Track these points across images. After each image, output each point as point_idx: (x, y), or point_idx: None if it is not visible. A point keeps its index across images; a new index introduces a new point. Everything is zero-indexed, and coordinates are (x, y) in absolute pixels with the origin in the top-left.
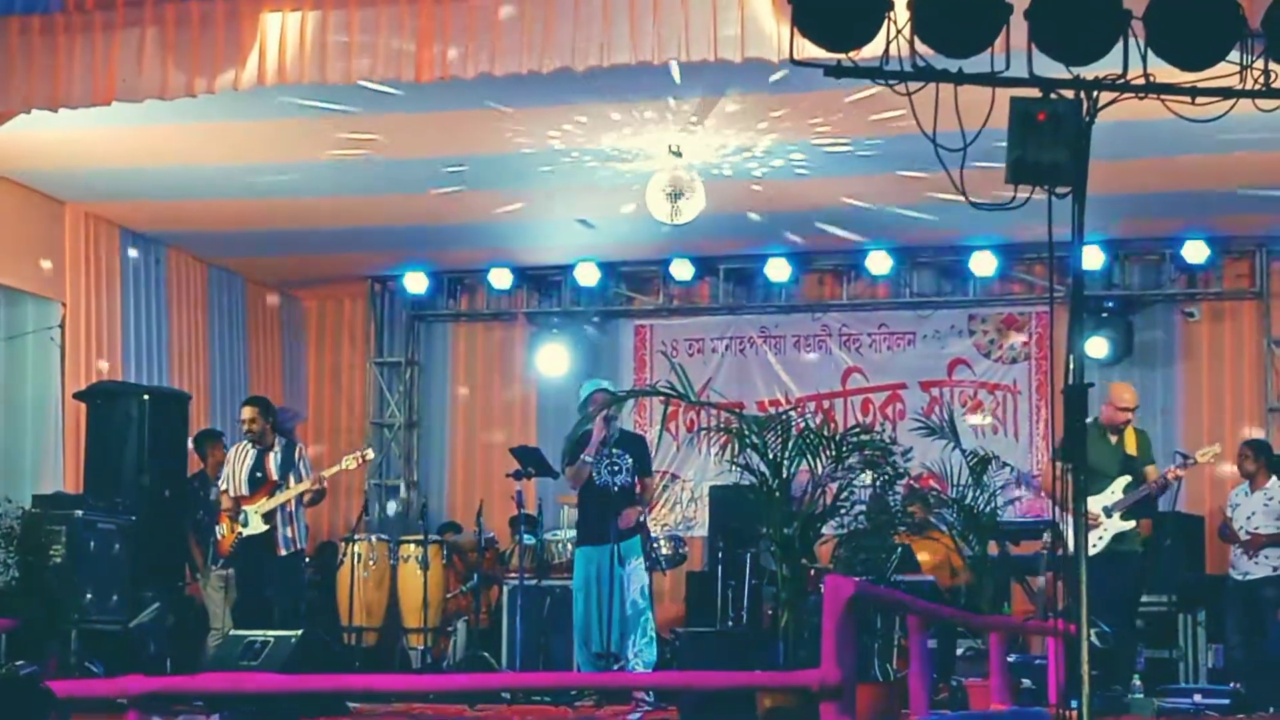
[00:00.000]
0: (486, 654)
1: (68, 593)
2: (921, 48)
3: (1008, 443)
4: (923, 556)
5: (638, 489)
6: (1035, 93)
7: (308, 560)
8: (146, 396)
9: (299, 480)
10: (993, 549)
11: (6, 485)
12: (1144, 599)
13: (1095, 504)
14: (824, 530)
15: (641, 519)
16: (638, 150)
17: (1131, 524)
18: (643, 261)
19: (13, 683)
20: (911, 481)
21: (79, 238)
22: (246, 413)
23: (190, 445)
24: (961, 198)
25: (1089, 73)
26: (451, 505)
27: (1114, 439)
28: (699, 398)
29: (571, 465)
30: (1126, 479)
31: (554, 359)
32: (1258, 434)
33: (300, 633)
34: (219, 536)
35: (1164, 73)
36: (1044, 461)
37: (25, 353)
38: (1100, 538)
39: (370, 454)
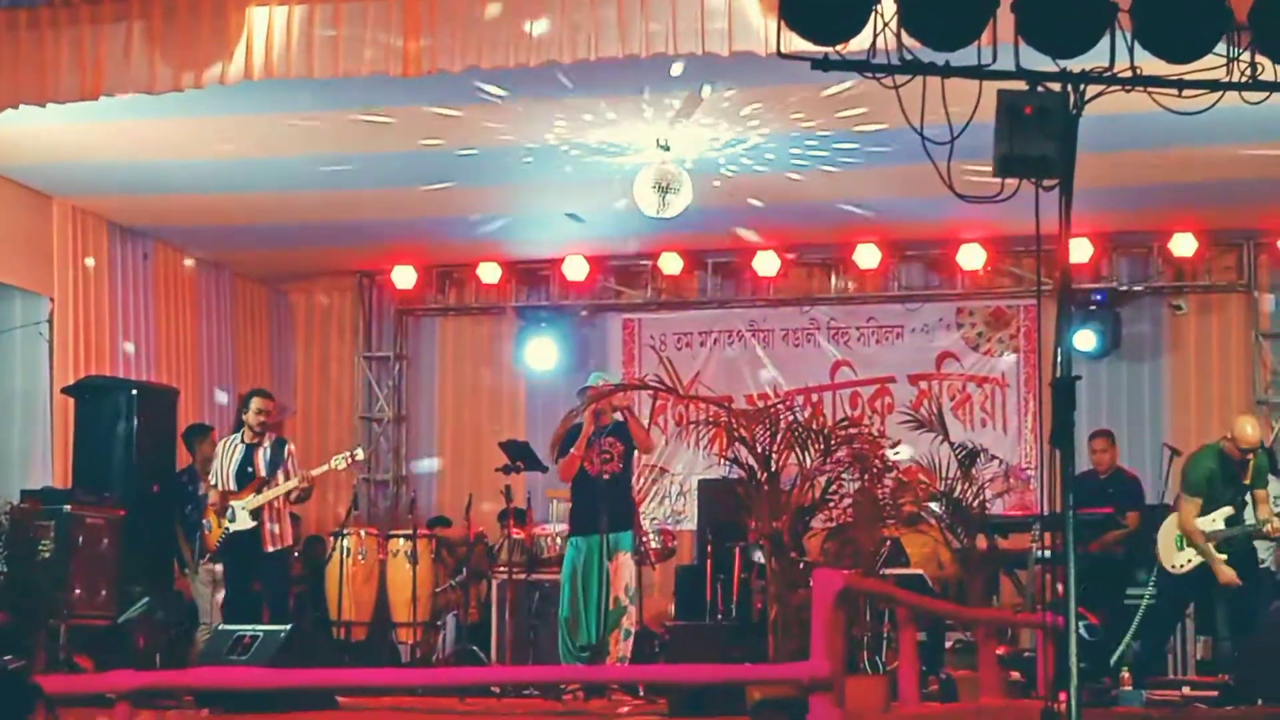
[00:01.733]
0: (475, 648)
1: (56, 587)
2: (908, 41)
3: (996, 436)
4: (911, 550)
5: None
6: (1022, 85)
7: (296, 555)
8: (135, 391)
9: (287, 478)
10: (981, 543)
11: None
12: (1131, 591)
13: (1206, 525)
14: (813, 523)
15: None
16: (626, 144)
17: (1224, 556)
18: (631, 255)
19: (2, 677)
20: (900, 475)
21: (66, 232)
22: (264, 404)
23: (180, 440)
24: (949, 191)
25: (1076, 65)
26: (440, 499)
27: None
28: (687, 391)
29: (562, 458)
30: (1229, 510)
31: (542, 353)
32: None
33: (289, 627)
34: (206, 531)
35: (1151, 65)
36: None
37: (13, 347)
38: (1189, 560)
39: (360, 454)
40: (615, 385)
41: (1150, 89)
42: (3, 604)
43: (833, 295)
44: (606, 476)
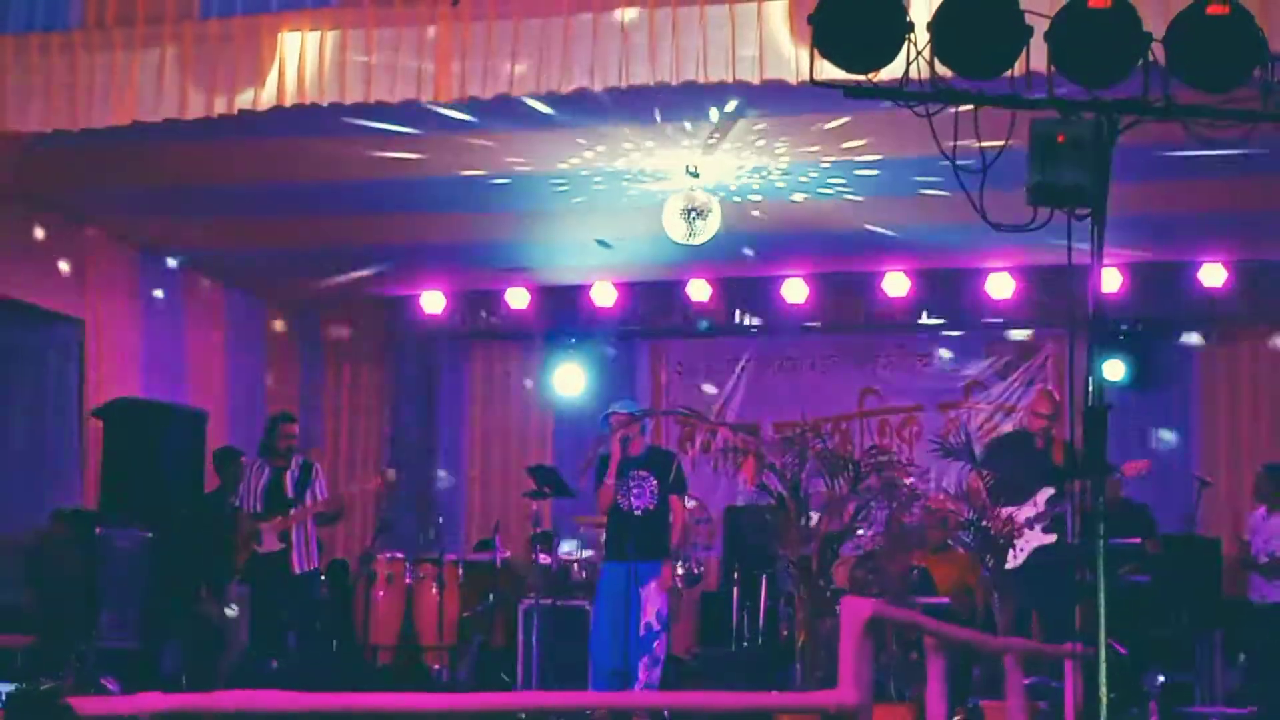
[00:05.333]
0: (503, 673)
1: (85, 610)
2: (941, 69)
3: None
4: (939, 578)
5: (671, 511)
6: (1055, 115)
7: (323, 578)
8: (164, 414)
9: (315, 500)
10: None
11: (26, 502)
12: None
13: (1019, 515)
14: (841, 551)
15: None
16: (655, 171)
17: (1054, 537)
18: (660, 282)
19: (34, 699)
20: (928, 503)
21: (98, 257)
22: (292, 428)
23: (210, 462)
24: (981, 219)
25: (1109, 95)
26: (468, 524)
27: (1040, 445)
28: (715, 418)
29: (598, 488)
30: (1050, 491)
31: (571, 379)
32: (1274, 458)
33: (316, 650)
34: (234, 554)
35: (1184, 95)
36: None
37: (45, 370)
38: (1021, 549)
39: (392, 475)
40: (645, 411)
41: (1183, 119)
42: (33, 626)
43: (861, 323)
44: (639, 512)
